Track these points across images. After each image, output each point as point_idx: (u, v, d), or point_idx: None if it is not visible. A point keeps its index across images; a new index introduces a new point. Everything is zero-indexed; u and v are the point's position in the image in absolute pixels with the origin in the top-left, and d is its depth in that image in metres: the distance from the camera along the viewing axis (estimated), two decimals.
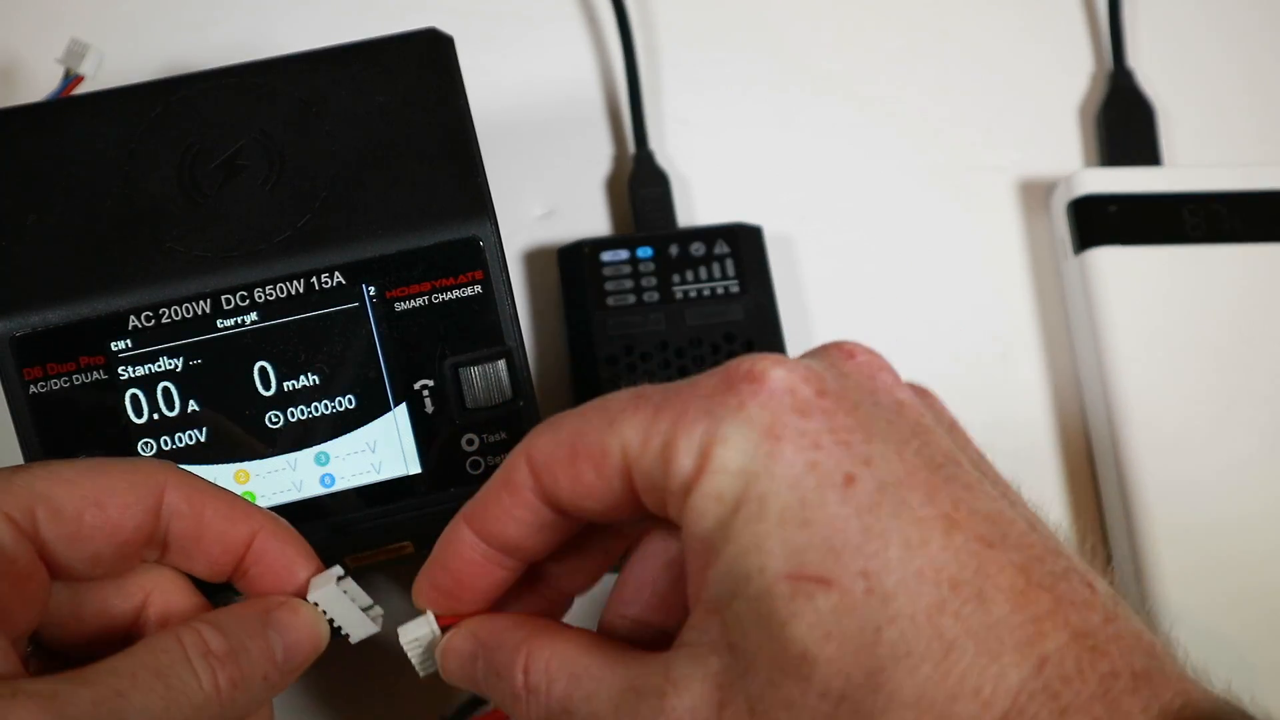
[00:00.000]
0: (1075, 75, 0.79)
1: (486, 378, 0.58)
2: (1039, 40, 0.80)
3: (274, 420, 0.58)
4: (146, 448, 0.58)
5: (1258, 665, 0.62)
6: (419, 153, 0.60)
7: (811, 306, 0.72)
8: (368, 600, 0.55)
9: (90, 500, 0.50)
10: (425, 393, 0.58)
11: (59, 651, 0.53)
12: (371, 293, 0.58)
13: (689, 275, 0.68)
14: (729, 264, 0.68)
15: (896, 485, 0.44)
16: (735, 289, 0.68)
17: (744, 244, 0.69)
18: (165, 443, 0.58)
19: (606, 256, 0.69)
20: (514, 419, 0.59)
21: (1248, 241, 0.70)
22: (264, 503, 0.58)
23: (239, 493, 0.57)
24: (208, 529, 0.52)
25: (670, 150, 0.75)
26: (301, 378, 0.58)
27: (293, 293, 0.58)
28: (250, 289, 0.58)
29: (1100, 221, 0.70)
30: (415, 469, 0.59)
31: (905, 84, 0.79)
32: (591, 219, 0.74)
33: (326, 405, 0.58)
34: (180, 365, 0.58)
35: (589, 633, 0.51)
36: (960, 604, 0.43)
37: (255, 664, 0.50)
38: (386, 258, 0.59)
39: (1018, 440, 0.71)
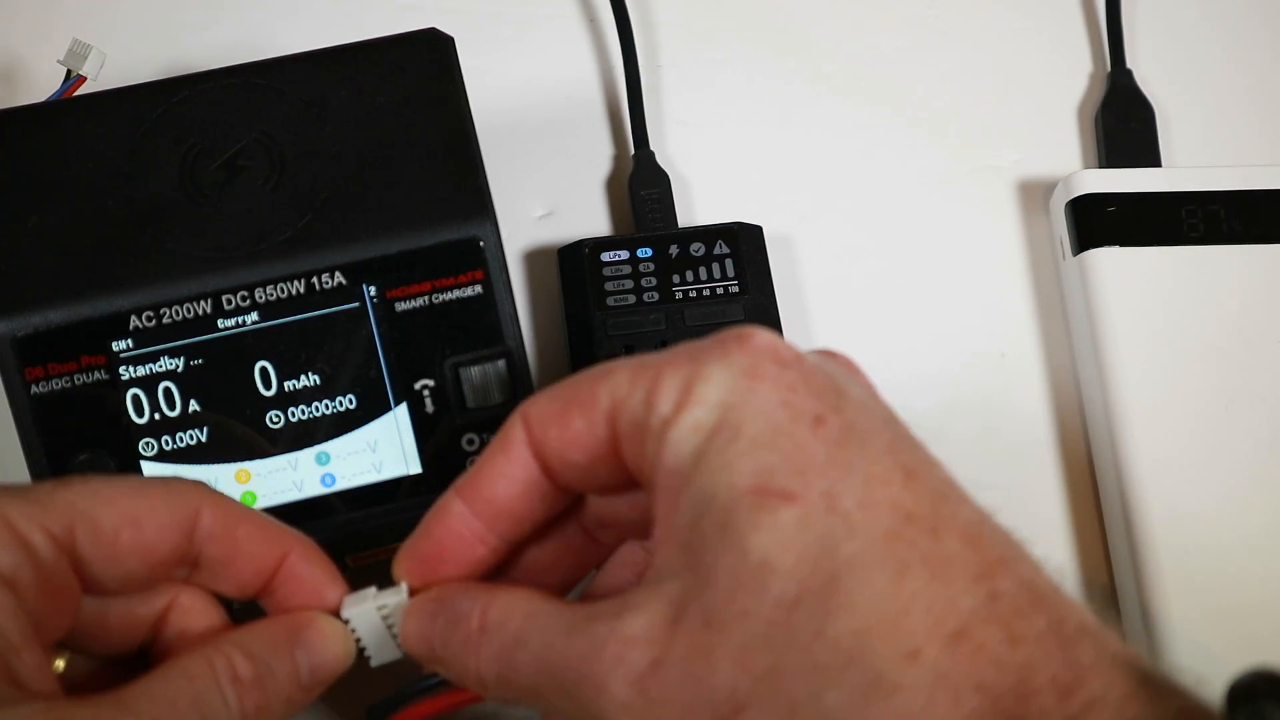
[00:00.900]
0: (1075, 75, 0.79)
1: (487, 377, 0.59)
2: (1039, 40, 0.80)
3: (275, 420, 0.58)
4: (148, 447, 0.58)
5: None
6: (419, 153, 0.60)
7: (811, 306, 0.72)
8: (398, 624, 0.54)
9: (128, 520, 0.50)
10: (426, 392, 0.59)
11: (83, 652, 0.53)
12: (372, 293, 0.59)
13: (689, 275, 0.68)
14: (729, 264, 0.68)
15: (863, 432, 0.46)
16: (735, 289, 0.68)
17: (744, 244, 0.69)
18: (166, 442, 0.58)
19: (606, 256, 0.69)
20: None
21: (1247, 242, 0.70)
22: (264, 502, 0.58)
23: (239, 492, 0.58)
24: (240, 551, 0.52)
25: (670, 150, 0.75)
26: (302, 377, 0.58)
27: (293, 293, 0.58)
28: (251, 289, 0.58)
29: (1099, 222, 0.70)
30: (416, 469, 0.59)
31: (905, 84, 0.78)
32: (591, 219, 0.74)
33: (327, 405, 0.58)
34: (181, 365, 0.58)
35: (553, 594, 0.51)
36: (915, 534, 0.44)
37: (280, 687, 0.51)
38: (387, 258, 0.59)
39: (1016, 440, 0.70)
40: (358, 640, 0.53)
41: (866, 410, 0.47)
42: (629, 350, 0.67)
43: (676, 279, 0.68)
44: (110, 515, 0.49)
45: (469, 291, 0.59)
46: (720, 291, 0.68)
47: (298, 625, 0.52)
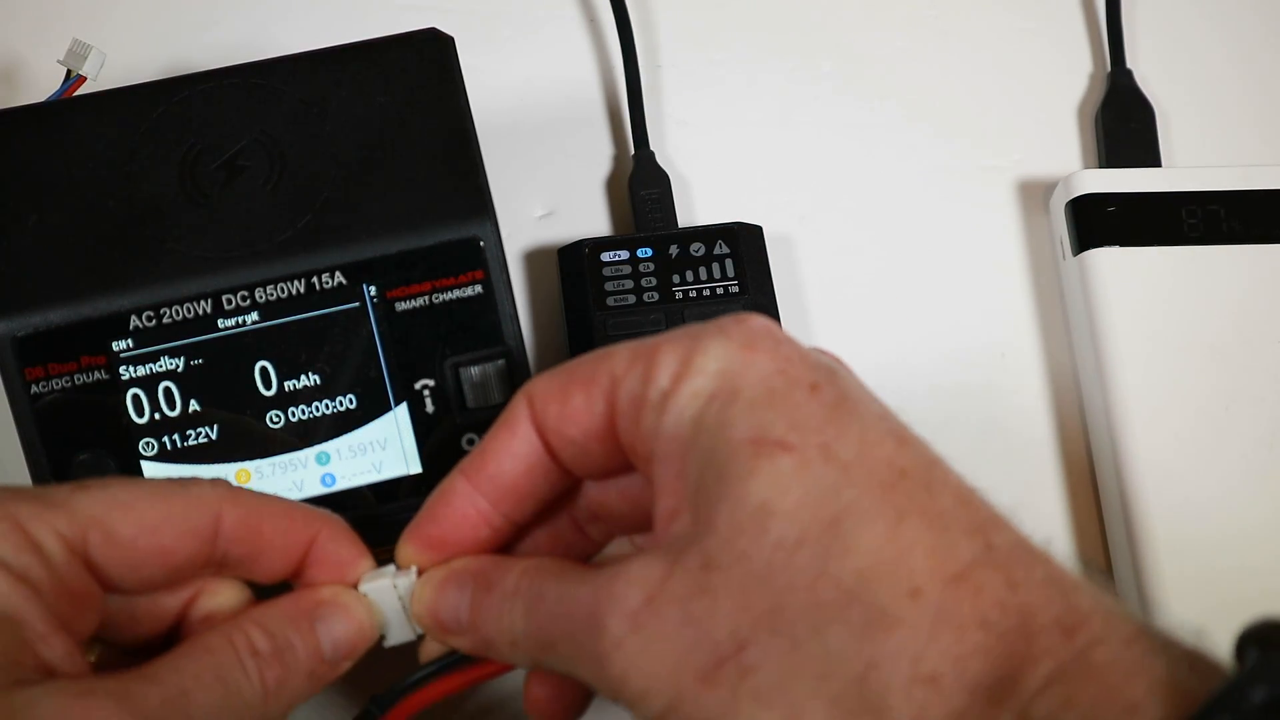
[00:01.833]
0: (1075, 75, 0.79)
1: (487, 377, 0.59)
2: (1039, 40, 0.80)
3: (275, 420, 0.58)
4: (148, 447, 0.58)
5: None
6: (419, 153, 0.60)
7: (811, 306, 0.72)
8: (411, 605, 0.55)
9: (145, 528, 0.49)
10: (426, 392, 0.59)
11: (114, 644, 0.53)
12: (372, 293, 0.59)
13: (689, 275, 0.68)
14: (729, 264, 0.68)
15: (856, 400, 0.48)
16: (735, 289, 0.68)
17: (744, 244, 0.69)
18: (167, 443, 0.58)
19: (606, 256, 0.69)
20: None
21: (1247, 242, 0.70)
22: None
23: None
24: (265, 546, 0.52)
25: (670, 150, 0.75)
26: (302, 377, 0.58)
27: (294, 293, 0.58)
28: (251, 289, 0.58)
29: (1099, 222, 0.70)
30: (416, 468, 0.59)
31: (905, 83, 0.78)
32: (591, 219, 0.74)
33: (327, 405, 0.58)
34: (181, 365, 0.58)
35: None
36: (911, 488, 0.45)
37: (300, 661, 0.51)
38: (387, 258, 0.59)
39: (1016, 440, 0.70)
40: None
41: (859, 386, 0.49)
42: None
43: (676, 279, 0.68)
44: (126, 523, 0.49)
45: (469, 291, 0.59)
46: (720, 291, 0.68)
47: (318, 601, 0.52)
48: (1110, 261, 0.69)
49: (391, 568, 0.53)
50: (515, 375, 0.59)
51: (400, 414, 0.59)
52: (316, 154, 0.60)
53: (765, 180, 0.75)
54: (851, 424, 0.47)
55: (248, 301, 0.58)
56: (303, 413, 0.58)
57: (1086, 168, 0.76)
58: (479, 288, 0.59)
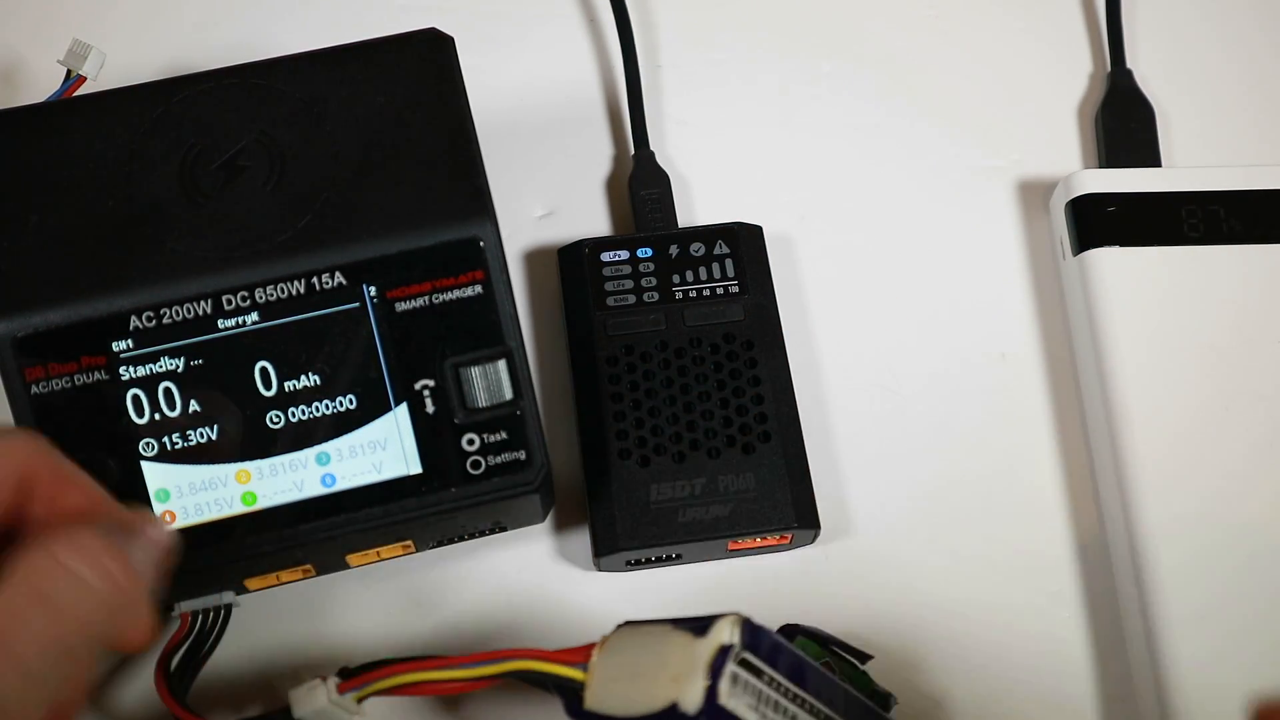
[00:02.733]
0: (1075, 75, 0.79)
1: (487, 378, 0.58)
2: (1039, 40, 0.79)
3: (275, 420, 0.58)
4: (148, 448, 0.58)
5: (1257, 670, 0.62)
6: (419, 153, 0.60)
7: (811, 306, 0.72)
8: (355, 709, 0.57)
9: None
10: (426, 393, 0.58)
11: None
12: (372, 293, 0.58)
13: (689, 275, 0.68)
14: (729, 264, 0.68)
15: None
16: (735, 289, 0.68)
17: (744, 244, 0.69)
18: (167, 443, 0.58)
19: (606, 256, 0.69)
20: (514, 419, 0.59)
21: (1247, 242, 0.70)
22: (264, 503, 0.58)
23: (239, 493, 0.58)
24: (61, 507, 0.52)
25: (670, 150, 0.75)
26: (302, 378, 0.58)
27: (294, 293, 0.58)
28: (251, 289, 0.58)
29: (1099, 222, 0.70)
30: (416, 469, 0.59)
31: (905, 84, 0.78)
32: (591, 219, 0.74)
33: (327, 405, 0.58)
34: (181, 365, 0.58)
35: None
36: None
37: (137, 557, 0.50)
38: (387, 258, 0.59)
39: (1016, 441, 0.70)
40: None
41: None
42: (629, 350, 0.67)
43: (676, 279, 0.68)
44: None
45: (469, 292, 0.59)
46: (720, 291, 0.68)
47: (130, 516, 0.52)
48: (1110, 261, 0.69)
49: (316, 682, 0.57)
50: (515, 375, 0.59)
51: (400, 414, 0.58)
52: (316, 154, 0.60)
53: (765, 180, 0.75)
54: None
55: (247, 302, 0.58)
56: (303, 413, 0.58)
57: (1086, 168, 0.76)
58: (479, 288, 0.59)
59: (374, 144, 0.61)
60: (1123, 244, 0.69)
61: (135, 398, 0.58)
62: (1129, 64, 0.77)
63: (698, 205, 0.74)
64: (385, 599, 0.66)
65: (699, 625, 0.53)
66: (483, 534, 0.63)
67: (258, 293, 0.58)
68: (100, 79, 0.66)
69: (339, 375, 0.59)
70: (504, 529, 0.63)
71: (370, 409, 0.59)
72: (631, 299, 0.67)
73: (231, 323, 0.58)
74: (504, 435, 0.59)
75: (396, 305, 0.59)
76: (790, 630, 0.60)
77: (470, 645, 0.59)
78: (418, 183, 0.60)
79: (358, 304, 0.59)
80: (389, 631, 0.66)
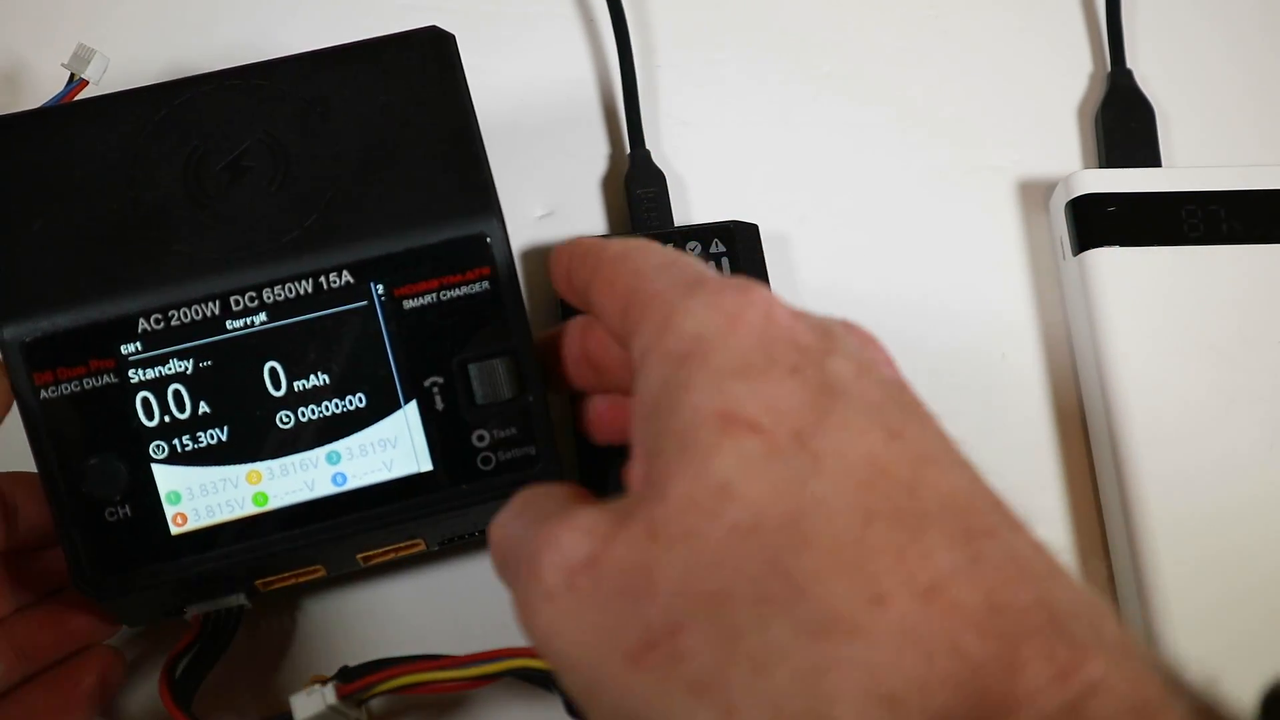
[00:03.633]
0: (1075, 75, 0.78)
1: (495, 373, 0.58)
2: (1039, 40, 0.79)
3: (285, 420, 0.58)
4: (158, 450, 0.58)
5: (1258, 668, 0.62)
6: (424, 150, 0.60)
7: (808, 306, 0.72)
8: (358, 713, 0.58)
9: None
10: (435, 390, 0.58)
11: None
12: (380, 291, 0.58)
13: None
14: (725, 263, 0.68)
15: (844, 388, 0.44)
16: None
17: (740, 242, 0.69)
18: (177, 445, 0.58)
19: None
20: (524, 414, 0.59)
21: (1247, 242, 0.70)
22: (276, 503, 0.58)
23: (250, 494, 0.58)
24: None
25: (666, 150, 0.75)
26: (311, 377, 0.58)
27: (301, 292, 0.58)
28: (259, 289, 0.58)
29: (1099, 222, 0.70)
30: (427, 466, 0.58)
31: (904, 84, 0.78)
32: (588, 218, 0.74)
33: (337, 404, 0.58)
34: (190, 367, 0.58)
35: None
36: (889, 488, 0.41)
37: None
38: (394, 256, 0.58)
39: (1016, 440, 0.71)
40: None
41: (859, 372, 0.45)
42: None
43: None
44: None
45: (476, 288, 0.59)
46: None
47: None
48: (1110, 261, 0.69)
49: (316, 685, 0.58)
50: (524, 370, 0.59)
51: (410, 411, 0.58)
52: (320, 153, 0.60)
53: (763, 180, 0.75)
54: (833, 412, 0.43)
55: (255, 302, 0.58)
56: (312, 412, 0.58)
57: (1086, 168, 0.76)
58: (486, 284, 0.59)
59: (378, 142, 0.60)
60: (1123, 244, 0.69)
61: (145, 400, 0.58)
62: (1129, 64, 0.77)
63: (694, 205, 0.74)
64: (394, 598, 0.67)
65: None
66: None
67: (265, 293, 0.58)
68: (103, 82, 0.66)
69: (348, 374, 0.58)
70: None
71: (380, 407, 0.58)
72: None
73: (240, 323, 0.58)
74: (514, 431, 0.59)
75: (404, 303, 0.58)
76: None
77: (480, 644, 0.59)
78: (423, 180, 0.60)
79: (365, 302, 0.58)
80: (397, 630, 0.66)
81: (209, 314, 0.58)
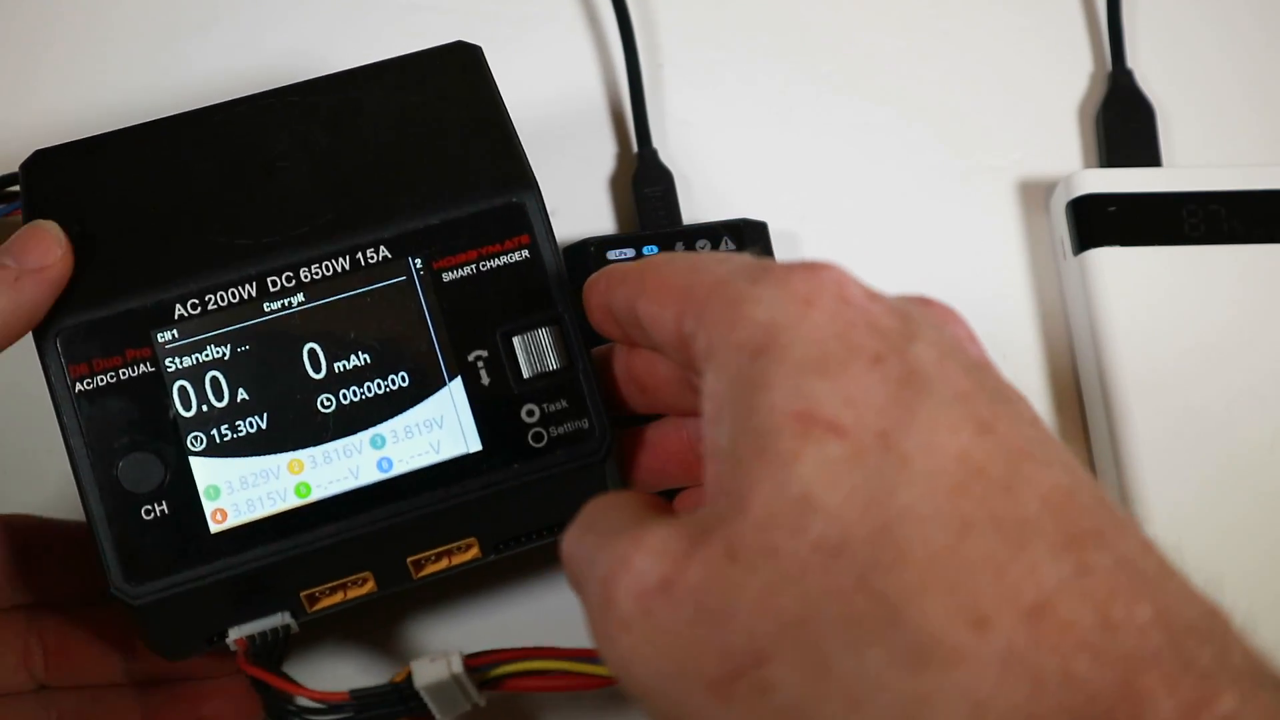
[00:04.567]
0: (1075, 75, 0.78)
1: (540, 344, 0.57)
2: (1039, 40, 0.79)
3: (326, 404, 0.56)
4: (196, 441, 0.56)
5: None
6: (457, 135, 0.59)
7: None
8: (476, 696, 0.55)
9: None
10: (480, 364, 0.57)
11: None
12: (418, 265, 0.57)
13: None
14: None
15: (930, 377, 0.41)
16: None
17: (749, 240, 0.69)
18: (215, 435, 0.56)
19: (612, 255, 0.68)
20: (572, 386, 0.57)
21: (1247, 242, 0.70)
22: (319, 494, 0.56)
23: (293, 484, 0.56)
24: None
25: (673, 150, 0.75)
26: (352, 357, 0.56)
27: (339, 269, 0.57)
28: (296, 269, 0.57)
29: (1100, 222, 0.70)
30: (476, 446, 0.56)
31: (905, 84, 0.78)
32: (595, 218, 0.74)
33: (379, 384, 0.56)
34: (228, 353, 0.56)
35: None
36: (985, 491, 0.39)
37: None
38: (431, 228, 0.57)
39: None
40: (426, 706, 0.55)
41: (943, 357, 0.42)
42: None
43: None
44: None
45: (516, 257, 0.57)
46: None
47: None
48: (1110, 261, 0.69)
49: (441, 654, 0.54)
50: (569, 340, 0.57)
51: (455, 388, 0.56)
52: (354, 146, 0.59)
53: (765, 180, 0.75)
54: (920, 407, 0.40)
55: (293, 282, 0.56)
56: (354, 394, 0.56)
57: (1087, 168, 0.76)
58: (526, 252, 0.57)
59: (410, 132, 0.60)
60: (1123, 244, 0.69)
61: (182, 389, 0.56)
62: (1129, 64, 0.77)
63: (700, 205, 0.74)
64: (443, 615, 0.66)
65: None
66: (544, 535, 0.60)
67: (303, 272, 0.57)
68: (105, 115, 0.65)
69: (389, 352, 0.57)
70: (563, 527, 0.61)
71: (424, 385, 0.57)
72: None
73: (277, 305, 0.56)
74: (564, 403, 0.57)
75: (444, 275, 0.57)
76: None
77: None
78: (457, 156, 0.59)
79: (404, 277, 0.57)
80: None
81: (246, 296, 0.57)
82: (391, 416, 0.57)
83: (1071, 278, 0.71)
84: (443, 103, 0.61)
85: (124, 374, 0.56)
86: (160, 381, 0.56)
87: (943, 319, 0.47)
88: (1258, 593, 0.60)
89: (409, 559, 0.58)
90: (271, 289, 0.57)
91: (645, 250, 0.68)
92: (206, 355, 0.56)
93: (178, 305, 0.56)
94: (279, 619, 0.57)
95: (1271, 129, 0.77)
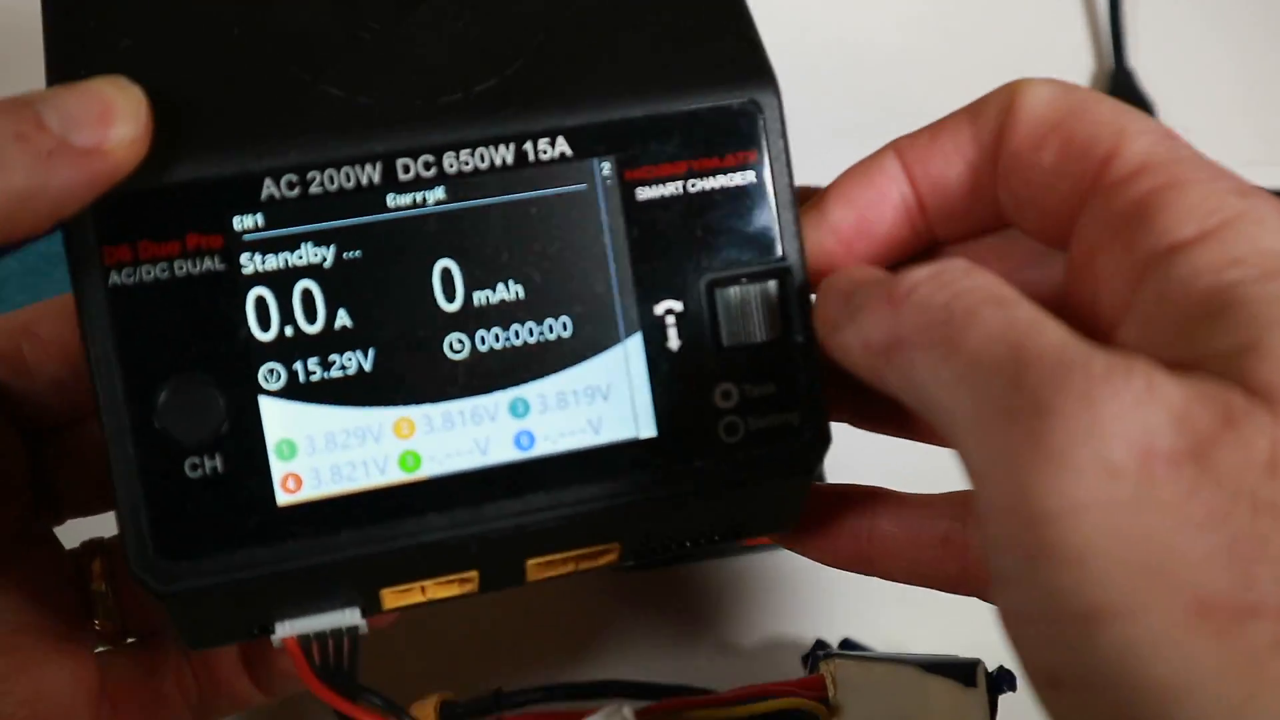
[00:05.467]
0: (1075, 75, 0.77)
1: (753, 303, 0.42)
2: (1039, 40, 0.79)
3: (457, 347, 0.40)
4: (271, 377, 0.39)
5: None
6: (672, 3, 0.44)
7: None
8: None
9: None
10: (670, 320, 0.41)
11: None
12: (605, 171, 0.41)
13: None
14: None
15: None
16: None
17: None
18: (299, 370, 0.40)
19: None
20: (788, 364, 0.42)
21: None
22: (432, 469, 0.41)
23: (399, 450, 0.40)
24: None
25: None
26: (500, 288, 0.40)
27: (497, 163, 0.40)
28: (438, 154, 0.40)
29: None
30: (649, 431, 0.41)
31: (905, 83, 0.76)
32: None
33: (532, 330, 0.41)
34: (331, 258, 0.40)
35: None
36: None
37: None
38: (629, 122, 0.41)
39: None
40: None
41: None
42: None
43: None
44: None
45: (737, 179, 0.42)
46: None
47: None
48: None
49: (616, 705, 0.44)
50: (792, 302, 0.42)
51: (633, 348, 0.41)
52: None
53: None
54: None
55: (432, 171, 0.40)
56: (496, 340, 0.40)
57: None
58: (751, 174, 0.42)
59: None
60: None
61: (259, 301, 0.39)
62: (1130, 64, 0.77)
63: None
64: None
65: (954, 670, 0.47)
66: (700, 544, 0.45)
67: (446, 159, 0.40)
68: None
69: (551, 287, 0.41)
70: (739, 535, 0.46)
71: (591, 339, 0.41)
72: None
73: (406, 199, 0.40)
74: (772, 388, 0.42)
75: (638, 191, 0.41)
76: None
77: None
78: (673, 26, 0.43)
79: (584, 185, 0.41)
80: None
81: (365, 181, 0.40)
82: (542, 376, 0.41)
83: None
84: None
85: (180, 268, 0.39)
86: (232, 285, 0.39)
87: None
88: None
89: (531, 560, 0.43)
90: (402, 176, 0.40)
91: None
92: (300, 258, 0.40)
93: (267, 181, 0.39)
94: (345, 617, 0.42)
95: (1271, 129, 0.78)
